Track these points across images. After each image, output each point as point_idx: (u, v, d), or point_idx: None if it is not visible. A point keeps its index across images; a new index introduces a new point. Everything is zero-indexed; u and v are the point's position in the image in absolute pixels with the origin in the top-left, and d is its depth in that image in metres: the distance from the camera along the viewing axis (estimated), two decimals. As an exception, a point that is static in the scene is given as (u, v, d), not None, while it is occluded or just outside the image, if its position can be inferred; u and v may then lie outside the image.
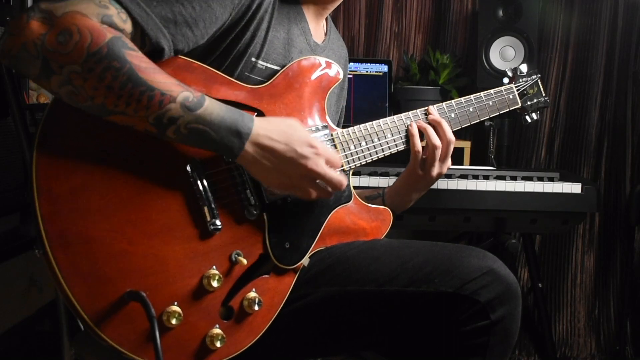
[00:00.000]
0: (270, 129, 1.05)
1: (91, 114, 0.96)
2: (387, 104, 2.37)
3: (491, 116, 1.49)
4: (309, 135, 1.10)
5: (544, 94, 1.63)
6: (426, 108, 1.38)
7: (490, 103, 1.48)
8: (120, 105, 0.94)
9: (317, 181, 1.10)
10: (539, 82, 1.62)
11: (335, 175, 1.10)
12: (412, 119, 1.36)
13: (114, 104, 0.94)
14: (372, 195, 1.47)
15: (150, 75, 0.95)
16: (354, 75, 2.35)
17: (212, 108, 1.00)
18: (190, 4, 1.04)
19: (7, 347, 1.99)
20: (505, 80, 1.62)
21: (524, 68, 1.59)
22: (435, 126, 1.36)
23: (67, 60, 0.91)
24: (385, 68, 2.39)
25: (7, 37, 0.92)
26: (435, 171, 1.36)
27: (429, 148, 1.34)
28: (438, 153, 1.34)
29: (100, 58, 0.92)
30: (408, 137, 1.35)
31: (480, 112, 1.46)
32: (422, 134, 1.36)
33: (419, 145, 1.34)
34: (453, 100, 1.42)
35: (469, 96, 1.46)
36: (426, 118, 1.37)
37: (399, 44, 2.61)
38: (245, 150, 1.03)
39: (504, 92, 1.52)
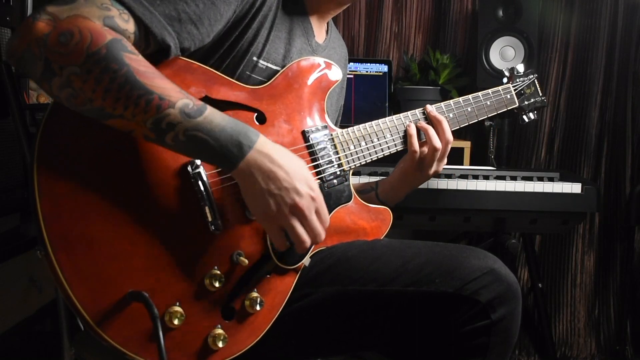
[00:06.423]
0: (275, 152, 1.02)
1: (92, 118, 0.96)
2: (387, 104, 2.37)
3: (489, 116, 1.50)
4: (313, 179, 1.07)
5: (540, 94, 1.64)
6: (424, 107, 1.38)
7: (488, 103, 1.49)
8: (119, 109, 0.94)
9: (298, 227, 1.05)
10: (536, 82, 1.64)
11: (318, 226, 1.06)
12: (410, 119, 1.37)
13: (112, 106, 0.93)
14: (364, 190, 1.47)
15: (149, 79, 0.94)
16: (354, 75, 2.35)
17: (212, 117, 0.98)
18: (193, 1, 1.04)
19: (7, 347, 1.99)
20: (505, 80, 1.63)
21: (520, 68, 1.60)
22: (436, 124, 1.36)
23: (68, 61, 0.91)
24: (385, 68, 2.39)
25: (14, 37, 0.92)
26: (432, 170, 1.38)
27: (429, 149, 1.35)
28: (437, 154, 1.35)
29: (98, 59, 0.91)
30: (407, 137, 1.35)
31: (479, 112, 1.47)
32: (420, 134, 1.36)
33: (416, 145, 1.35)
34: (451, 100, 1.43)
35: (467, 96, 1.46)
36: (425, 118, 1.38)
37: (399, 44, 2.61)
38: (245, 160, 0.99)
39: (502, 92, 1.53)
